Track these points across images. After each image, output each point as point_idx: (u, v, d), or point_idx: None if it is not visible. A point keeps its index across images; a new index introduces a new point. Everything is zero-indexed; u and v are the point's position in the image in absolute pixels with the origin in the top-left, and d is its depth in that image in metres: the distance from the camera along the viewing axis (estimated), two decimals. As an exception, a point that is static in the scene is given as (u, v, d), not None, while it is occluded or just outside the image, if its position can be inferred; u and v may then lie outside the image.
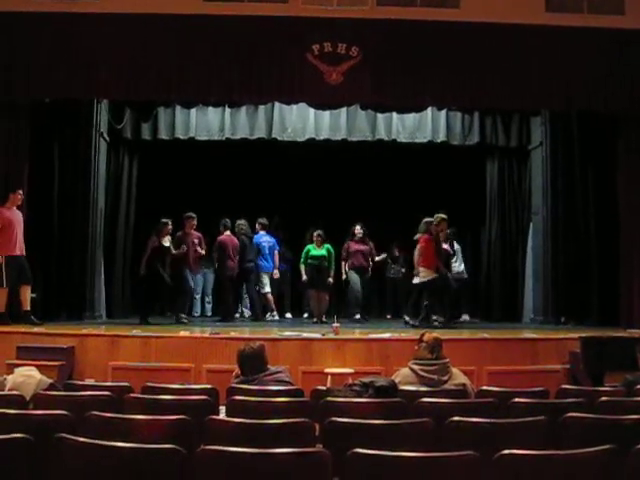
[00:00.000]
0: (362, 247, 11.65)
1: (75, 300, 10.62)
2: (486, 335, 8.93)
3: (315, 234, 11.46)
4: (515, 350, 8.34)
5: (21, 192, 9.34)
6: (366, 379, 4.76)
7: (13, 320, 9.07)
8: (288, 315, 12.52)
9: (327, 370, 7.47)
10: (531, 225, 12.27)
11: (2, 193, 9.34)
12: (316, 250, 11.44)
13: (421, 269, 10.15)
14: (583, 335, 8.24)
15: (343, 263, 11.71)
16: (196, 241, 11.01)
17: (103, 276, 11.49)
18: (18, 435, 3.17)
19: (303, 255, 11.53)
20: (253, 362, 5.08)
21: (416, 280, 10.32)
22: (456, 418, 3.86)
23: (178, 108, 12.14)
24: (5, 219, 9.08)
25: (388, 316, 12.85)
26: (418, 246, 10.34)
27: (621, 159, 10.26)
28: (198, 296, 12.74)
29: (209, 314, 12.60)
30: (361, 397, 4.57)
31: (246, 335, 8.53)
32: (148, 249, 10.39)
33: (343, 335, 8.61)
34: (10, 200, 9.22)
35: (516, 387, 5.43)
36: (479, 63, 9.58)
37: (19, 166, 9.78)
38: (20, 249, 9.21)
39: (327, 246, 11.51)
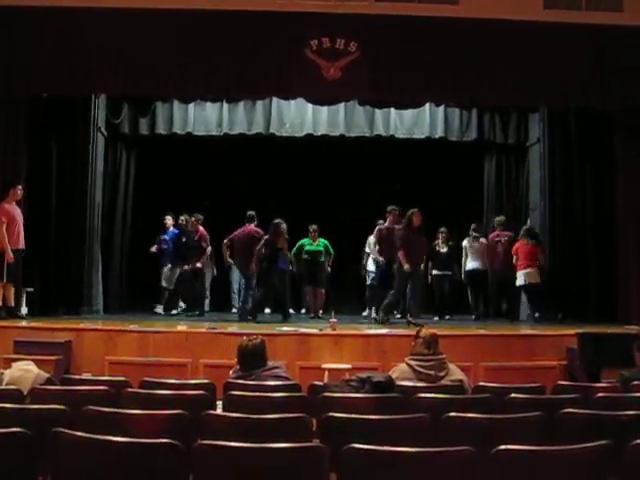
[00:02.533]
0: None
1: (72, 295, 10.63)
2: (483, 331, 8.95)
3: (311, 229, 11.47)
4: (512, 346, 8.35)
5: (21, 187, 9.38)
6: (363, 374, 4.76)
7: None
8: (290, 311, 12.50)
9: (324, 365, 7.47)
10: (528, 221, 12.28)
11: (1, 189, 9.36)
12: (311, 245, 11.44)
13: (530, 270, 10.86)
14: (580, 331, 8.26)
15: (378, 254, 10.62)
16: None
17: (100, 271, 11.51)
18: (15, 429, 3.17)
19: (296, 248, 11.50)
20: (253, 357, 5.06)
21: (522, 281, 10.90)
22: (453, 414, 3.87)
23: (176, 103, 12.13)
24: (8, 214, 9.13)
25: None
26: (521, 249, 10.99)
27: (619, 156, 10.28)
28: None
29: (207, 309, 12.54)
30: (358, 392, 4.57)
31: (243, 330, 8.51)
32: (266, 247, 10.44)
33: (340, 330, 8.62)
34: (10, 195, 9.28)
35: (513, 383, 5.44)
36: (477, 59, 9.58)
37: (17, 161, 9.79)
38: (22, 243, 9.32)
39: (323, 241, 11.51)
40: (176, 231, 11.98)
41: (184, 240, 11.61)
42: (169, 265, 11.93)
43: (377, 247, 10.75)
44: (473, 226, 11.70)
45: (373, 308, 11.22)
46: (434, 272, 11.84)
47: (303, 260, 11.48)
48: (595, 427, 3.80)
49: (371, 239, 11.53)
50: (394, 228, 10.32)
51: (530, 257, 11.04)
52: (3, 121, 9.70)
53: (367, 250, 11.89)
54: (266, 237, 10.51)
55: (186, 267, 11.35)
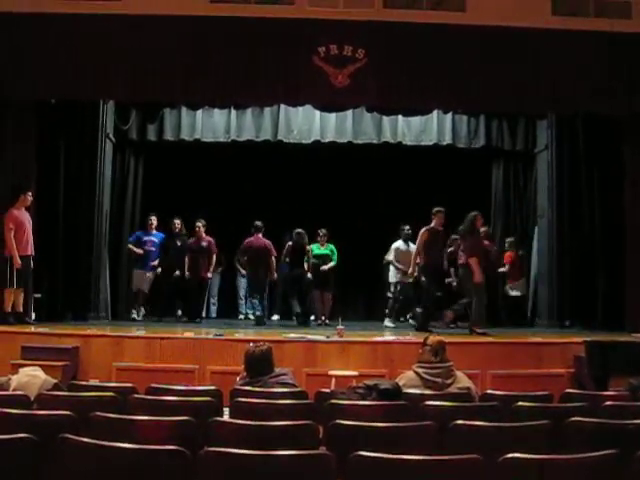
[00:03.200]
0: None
1: (80, 301, 10.65)
2: (490, 339, 8.92)
3: (321, 233, 11.44)
4: (519, 354, 8.32)
5: (30, 194, 9.41)
6: (370, 382, 4.76)
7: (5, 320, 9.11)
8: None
9: (331, 372, 7.45)
10: (536, 228, 12.27)
11: (10, 194, 9.41)
12: (319, 249, 11.43)
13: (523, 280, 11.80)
14: (588, 339, 8.22)
15: (474, 260, 9.49)
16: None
17: (108, 277, 11.51)
18: (22, 435, 3.18)
19: (306, 254, 11.50)
20: (260, 364, 5.06)
21: (519, 292, 11.74)
22: (460, 421, 3.86)
23: (184, 109, 12.17)
24: (17, 220, 9.16)
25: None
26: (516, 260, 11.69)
27: (627, 162, 10.24)
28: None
29: (214, 315, 12.58)
30: (365, 400, 4.56)
31: (250, 337, 8.51)
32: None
33: (347, 337, 8.61)
34: (20, 201, 9.31)
35: (520, 391, 5.42)
36: (485, 66, 9.56)
37: (26, 167, 9.80)
38: (30, 249, 9.34)
39: (331, 246, 11.50)
40: (161, 234, 11.66)
41: (179, 245, 11.41)
42: (152, 268, 11.52)
43: (422, 252, 9.99)
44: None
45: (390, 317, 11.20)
46: (447, 279, 11.81)
47: (311, 264, 11.45)
48: (603, 436, 3.78)
49: (400, 245, 11.33)
50: (441, 231, 10.12)
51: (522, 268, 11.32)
52: (13, 127, 9.71)
53: (390, 258, 11.55)
54: (290, 244, 11.19)
55: (187, 274, 11.22)
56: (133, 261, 11.78)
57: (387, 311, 11.40)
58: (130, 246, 11.69)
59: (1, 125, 9.63)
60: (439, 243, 10.09)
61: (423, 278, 10.23)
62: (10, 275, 9.06)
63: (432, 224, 10.03)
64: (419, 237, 10.05)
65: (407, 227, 11.26)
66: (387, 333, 9.59)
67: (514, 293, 11.57)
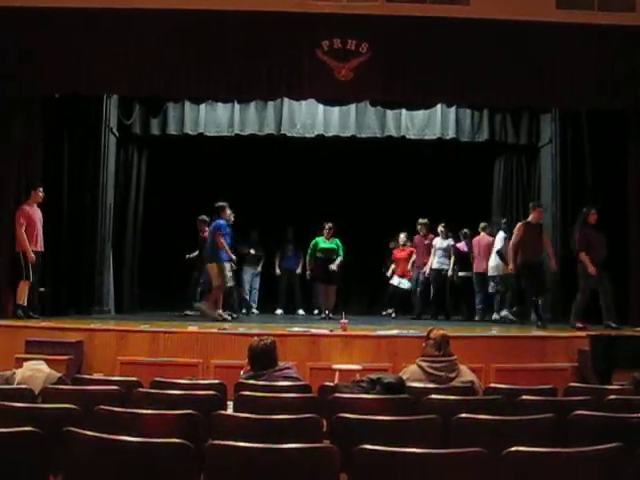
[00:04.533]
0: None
1: (84, 295, 10.70)
2: (494, 332, 8.93)
3: (327, 226, 11.42)
4: (523, 348, 8.32)
5: (42, 189, 9.42)
6: (374, 375, 4.76)
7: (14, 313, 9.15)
8: (300, 312, 12.54)
9: (335, 366, 7.46)
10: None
11: (17, 190, 9.47)
12: (325, 243, 11.41)
13: None
14: (592, 333, 8.22)
15: (583, 255, 9.45)
16: None
17: (112, 271, 11.53)
18: (27, 428, 3.19)
19: (311, 247, 11.48)
20: (264, 358, 5.07)
21: None
22: (464, 415, 3.86)
23: (187, 104, 12.15)
24: (28, 216, 9.21)
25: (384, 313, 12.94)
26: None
27: (631, 157, 10.21)
28: None
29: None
30: (368, 393, 4.57)
31: (254, 331, 8.51)
32: None
33: (351, 331, 8.61)
34: (32, 197, 9.34)
35: (524, 385, 5.42)
36: (489, 60, 9.53)
37: (34, 163, 9.80)
38: (40, 245, 9.39)
39: (336, 240, 11.48)
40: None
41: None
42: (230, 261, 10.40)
43: (518, 248, 9.79)
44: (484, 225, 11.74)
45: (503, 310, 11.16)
46: (460, 273, 11.83)
47: (316, 258, 11.44)
48: (606, 429, 3.78)
49: (504, 236, 11.09)
50: (541, 225, 10.03)
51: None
52: (20, 123, 9.70)
53: (499, 248, 11.15)
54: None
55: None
56: (217, 254, 10.14)
57: (496, 305, 11.36)
58: (222, 240, 10.11)
59: (8, 120, 9.60)
60: (535, 238, 9.86)
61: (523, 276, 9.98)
62: (26, 269, 9.10)
63: (529, 218, 10.03)
64: (515, 232, 9.95)
65: (504, 220, 11.43)
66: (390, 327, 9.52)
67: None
